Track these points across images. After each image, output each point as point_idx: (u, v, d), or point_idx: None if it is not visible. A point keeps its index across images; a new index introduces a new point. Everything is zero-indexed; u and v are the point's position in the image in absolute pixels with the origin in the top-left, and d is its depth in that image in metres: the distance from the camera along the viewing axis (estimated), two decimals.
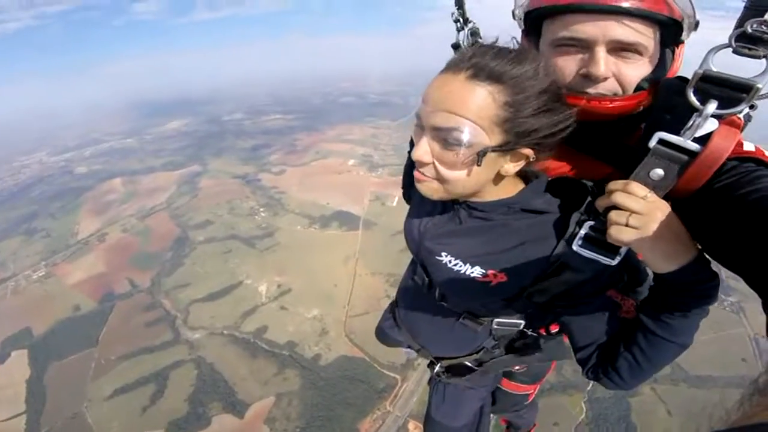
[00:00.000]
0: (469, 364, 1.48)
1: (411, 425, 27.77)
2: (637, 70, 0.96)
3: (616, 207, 0.83)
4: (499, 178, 0.98)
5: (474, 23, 1.46)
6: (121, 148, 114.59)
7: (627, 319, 1.04)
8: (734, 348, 31.34)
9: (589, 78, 0.96)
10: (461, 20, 1.46)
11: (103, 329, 39.81)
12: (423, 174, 0.94)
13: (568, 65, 0.99)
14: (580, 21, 0.93)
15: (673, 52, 1.02)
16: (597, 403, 27.05)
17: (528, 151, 0.91)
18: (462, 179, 0.91)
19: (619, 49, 0.93)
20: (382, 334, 1.88)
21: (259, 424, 29.70)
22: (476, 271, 1.06)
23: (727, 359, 29.88)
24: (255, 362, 34.44)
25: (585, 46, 0.95)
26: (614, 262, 0.88)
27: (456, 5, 1.45)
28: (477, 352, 1.42)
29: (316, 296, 41.05)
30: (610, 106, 0.98)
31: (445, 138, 0.86)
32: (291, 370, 33.30)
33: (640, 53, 0.94)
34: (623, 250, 0.87)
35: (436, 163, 0.91)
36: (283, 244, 51.57)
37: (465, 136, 0.83)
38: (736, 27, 0.75)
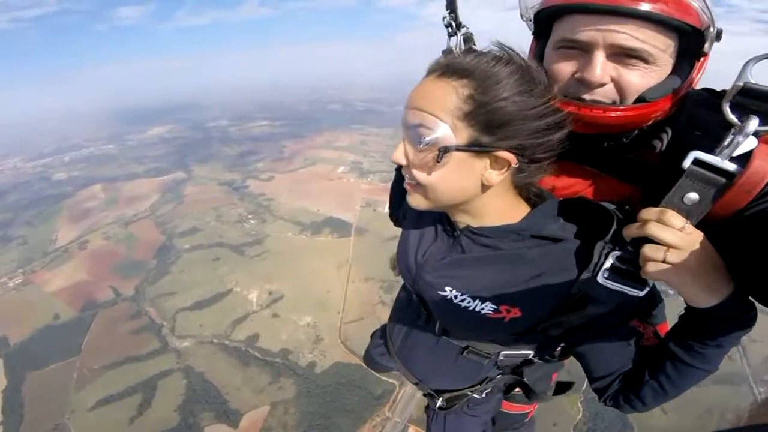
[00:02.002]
0: (474, 396, 1.38)
1: (411, 430, 27.41)
2: (642, 78, 0.88)
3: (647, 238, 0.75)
4: (491, 192, 0.90)
5: (467, 28, 1.37)
6: (102, 154, 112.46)
7: (648, 347, 0.97)
8: None
9: (583, 83, 0.90)
10: (453, 25, 1.38)
11: (85, 338, 38.41)
12: (407, 182, 0.91)
13: (565, 68, 0.93)
14: (583, 22, 0.87)
15: (692, 65, 0.92)
16: (593, 402, 27.13)
17: (508, 156, 0.81)
18: (437, 184, 0.85)
19: (622, 54, 0.87)
20: (371, 362, 1.80)
21: None
22: (487, 308, 0.97)
23: None
24: (247, 371, 33.58)
25: (585, 49, 0.89)
26: (642, 293, 0.81)
27: (447, 8, 1.37)
28: (481, 383, 1.32)
29: (308, 303, 40.42)
30: (605, 115, 0.90)
31: (413, 136, 0.83)
32: (286, 378, 32.55)
33: (645, 60, 0.86)
34: (651, 283, 0.81)
35: (410, 167, 0.87)
36: (273, 251, 50.86)
37: (428, 132, 0.80)
38: None
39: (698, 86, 0.95)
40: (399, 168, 1.23)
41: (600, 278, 0.82)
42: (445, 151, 0.79)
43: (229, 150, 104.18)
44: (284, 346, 35.62)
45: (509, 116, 0.78)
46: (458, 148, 0.80)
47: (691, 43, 0.88)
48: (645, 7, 0.81)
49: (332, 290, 42.20)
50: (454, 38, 1.38)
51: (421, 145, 0.81)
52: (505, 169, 0.84)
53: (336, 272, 45.21)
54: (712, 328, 0.78)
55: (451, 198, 0.90)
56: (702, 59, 0.93)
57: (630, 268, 0.79)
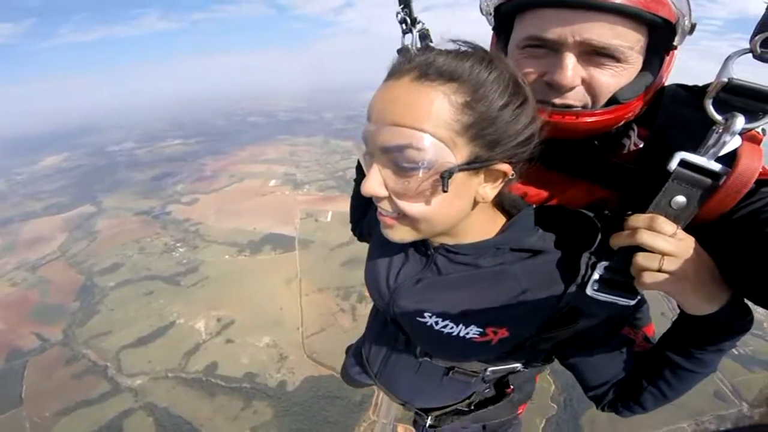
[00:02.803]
0: (461, 408, 1.31)
1: (401, 429, 27.74)
2: (613, 78, 0.83)
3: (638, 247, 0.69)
4: (477, 208, 0.81)
5: (423, 24, 1.31)
6: None
7: (641, 352, 0.92)
8: None
9: (553, 86, 0.84)
10: (408, 21, 1.29)
11: (22, 387, 34.30)
12: (383, 214, 0.77)
13: (533, 70, 0.87)
14: (550, 18, 0.80)
15: (661, 59, 0.88)
16: (563, 374, 29.82)
17: (505, 167, 0.74)
18: (432, 213, 0.73)
19: (593, 53, 0.81)
20: (351, 380, 1.69)
21: None
22: (472, 331, 0.89)
23: None
24: (215, 400, 31.80)
25: (552, 47, 0.83)
26: (633, 302, 0.76)
27: (400, 3, 1.28)
28: (468, 398, 1.25)
29: (263, 323, 39.22)
30: (578, 121, 0.86)
31: (396, 161, 0.68)
32: (258, 401, 31.33)
33: (617, 59, 0.81)
34: (642, 291, 0.75)
35: (394, 197, 0.73)
36: (212, 277, 48.30)
37: (421, 154, 0.65)
38: (760, 30, 0.64)
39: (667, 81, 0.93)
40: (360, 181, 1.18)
41: (589, 291, 0.76)
42: (449, 175, 0.66)
43: (140, 175, 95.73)
44: (247, 370, 34.27)
45: (506, 124, 0.69)
46: (461, 169, 0.67)
47: (663, 36, 0.83)
48: None
49: (285, 306, 41.32)
50: (408, 35, 1.31)
51: (417, 171, 0.67)
52: (500, 181, 0.77)
53: (286, 288, 44.34)
54: (711, 335, 0.73)
55: (446, 225, 0.79)
56: (672, 52, 0.89)
57: (620, 278, 0.74)
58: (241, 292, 44.27)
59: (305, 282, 44.58)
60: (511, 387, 1.27)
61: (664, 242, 0.66)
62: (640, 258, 0.68)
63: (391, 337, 1.18)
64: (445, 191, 0.67)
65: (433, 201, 0.71)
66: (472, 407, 1.29)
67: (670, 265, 0.66)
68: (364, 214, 1.40)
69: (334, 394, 30.37)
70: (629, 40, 0.79)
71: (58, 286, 48.74)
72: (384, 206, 0.75)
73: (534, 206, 0.92)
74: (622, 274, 0.73)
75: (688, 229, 0.71)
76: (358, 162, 1.28)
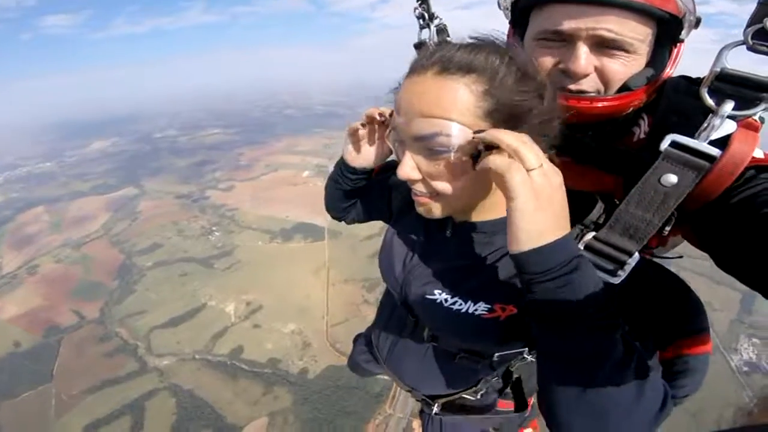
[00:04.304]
0: (468, 397, 1.30)
1: (415, 424, 27.31)
2: (624, 67, 0.89)
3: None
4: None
5: (441, 20, 1.34)
6: (40, 173, 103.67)
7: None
8: None
9: (567, 74, 0.91)
10: (426, 16, 1.33)
11: (55, 364, 35.92)
12: (418, 194, 0.84)
13: (548, 59, 0.94)
14: (563, 12, 0.87)
15: (670, 52, 0.95)
16: None
17: None
18: (461, 189, 0.80)
19: (604, 44, 0.87)
20: (358, 368, 1.73)
21: None
22: (480, 308, 0.91)
23: None
24: (238, 384, 32.44)
25: (566, 39, 0.89)
26: (615, 281, 0.75)
27: (418, 0, 1.32)
28: (476, 385, 1.24)
29: (290, 310, 39.67)
30: (591, 105, 0.91)
31: (428, 147, 0.75)
32: (279, 387, 31.75)
33: (627, 50, 0.87)
34: (627, 268, 0.75)
35: (428, 179, 0.80)
36: (244, 261, 49.38)
37: (451, 139, 0.72)
38: (751, 23, 0.68)
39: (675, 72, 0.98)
40: (345, 169, 1.21)
41: None
42: (478, 155, 0.72)
43: (181, 161, 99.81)
44: (272, 355, 34.74)
45: (523, 106, 0.73)
46: (487, 148, 0.71)
47: (670, 30, 0.89)
48: None
49: (312, 295, 41.63)
50: (426, 30, 1.34)
51: (447, 155, 0.74)
52: None
53: (314, 277, 44.64)
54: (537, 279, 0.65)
55: (475, 199, 0.86)
56: (679, 45, 0.95)
57: (605, 250, 0.76)
58: (271, 278, 45.01)
59: (333, 272, 44.75)
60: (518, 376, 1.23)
61: (533, 155, 0.64)
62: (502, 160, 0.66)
63: (400, 322, 1.22)
64: (475, 169, 0.73)
65: (462, 179, 0.78)
66: (480, 396, 1.28)
67: (538, 175, 0.64)
68: (349, 199, 1.39)
69: (353, 385, 30.29)
70: (638, 33, 0.86)
71: (100, 264, 51.20)
72: (418, 188, 0.82)
73: None
74: (608, 246, 0.76)
75: (689, 215, 0.77)
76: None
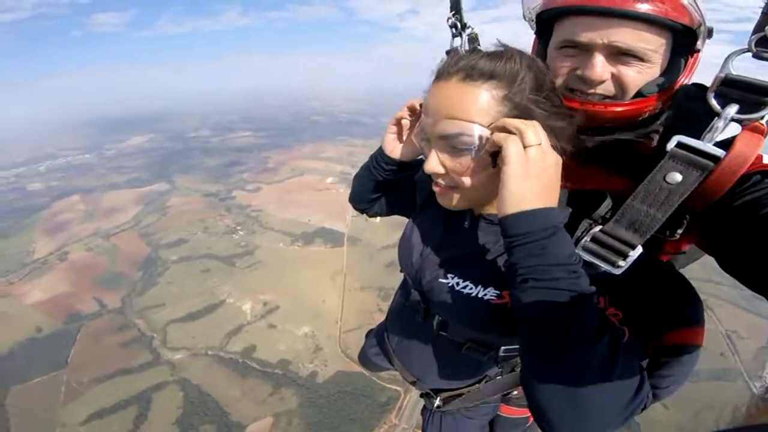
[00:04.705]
0: (471, 394, 1.35)
1: None
2: (639, 74, 0.94)
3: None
4: None
5: (472, 29, 1.41)
6: (79, 164, 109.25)
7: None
8: (711, 344, 33.53)
9: (584, 80, 0.96)
10: (458, 25, 1.41)
11: (71, 351, 36.92)
12: (440, 185, 0.93)
13: (566, 66, 1.00)
14: (582, 24, 0.93)
15: (686, 61, 0.98)
16: None
17: None
18: (479, 183, 0.88)
19: (619, 53, 0.92)
20: (367, 361, 1.78)
21: None
22: (490, 293, 0.96)
23: (706, 355, 31.89)
24: (246, 382, 32.87)
25: (584, 49, 0.95)
26: (616, 272, 0.80)
27: (452, 9, 1.40)
28: (479, 381, 1.29)
29: (305, 313, 40.10)
30: (606, 110, 0.97)
31: (452, 145, 0.84)
32: (287, 388, 32.02)
33: (641, 59, 0.92)
34: (629, 260, 0.79)
35: (451, 173, 0.89)
36: (264, 262, 50.34)
37: (472, 139, 0.81)
38: (756, 31, 0.73)
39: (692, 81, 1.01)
40: (382, 159, 1.29)
41: (578, 249, 0.81)
42: (497, 155, 0.79)
43: (211, 161, 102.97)
44: (283, 356, 35.15)
45: (540, 109, 0.82)
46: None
47: (684, 40, 0.93)
48: (641, 8, 0.86)
49: (328, 300, 42.02)
50: (458, 39, 1.42)
51: (469, 152, 0.83)
52: None
53: (331, 282, 45.06)
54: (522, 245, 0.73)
55: (492, 193, 0.88)
56: (695, 55, 0.99)
57: (609, 242, 0.80)
58: (289, 280, 45.64)
59: (349, 278, 45.09)
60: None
61: (533, 133, 0.75)
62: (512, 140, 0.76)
63: (412, 311, 1.24)
64: (494, 167, 0.81)
65: (481, 174, 0.86)
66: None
67: (535, 152, 0.74)
68: (375, 191, 1.44)
69: (360, 392, 30.27)
70: (652, 44, 0.90)
71: (126, 255, 53.14)
72: (442, 181, 0.91)
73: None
74: (614, 239, 0.80)
75: (695, 216, 0.82)
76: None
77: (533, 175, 0.73)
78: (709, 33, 0.95)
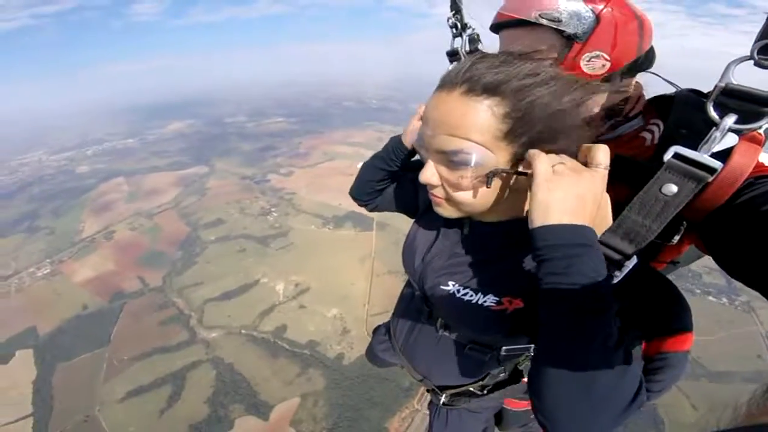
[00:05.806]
0: (474, 391, 1.35)
1: None
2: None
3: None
4: (511, 192, 0.88)
5: (473, 29, 1.36)
6: (123, 148, 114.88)
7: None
8: (749, 345, 32.19)
9: None
10: (458, 25, 1.37)
11: (114, 329, 38.69)
12: (435, 195, 0.90)
13: None
14: (506, 37, 1.06)
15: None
16: None
17: None
18: (474, 201, 0.86)
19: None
20: (374, 357, 1.80)
21: (285, 425, 28.70)
22: (489, 300, 0.95)
23: (743, 356, 30.78)
24: (276, 362, 33.63)
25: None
26: (615, 275, 0.79)
27: (452, 9, 1.37)
28: (482, 379, 1.29)
29: (334, 295, 40.67)
30: None
31: (449, 160, 0.81)
32: (314, 369, 32.60)
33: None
34: (624, 269, 0.78)
35: (445, 186, 0.86)
36: (297, 243, 51.33)
37: (469, 158, 0.78)
38: (759, 39, 0.69)
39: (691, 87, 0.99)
40: (399, 148, 1.34)
41: None
42: (492, 176, 0.78)
43: (247, 145, 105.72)
44: (312, 337, 35.74)
45: (544, 127, 0.78)
46: (503, 171, 0.79)
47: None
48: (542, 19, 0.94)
49: (356, 283, 42.40)
50: (458, 39, 1.37)
51: (465, 170, 0.79)
52: None
53: (359, 265, 45.41)
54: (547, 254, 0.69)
55: (485, 208, 0.89)
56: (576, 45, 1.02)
57: (605, 252, 0.77)
58: (320, 263, 46.38)
59: (377, 262, 45.16)
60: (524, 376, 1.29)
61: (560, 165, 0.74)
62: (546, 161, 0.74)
63: (417, 311, 1.27)
64: (488, 187, 0.81)
65: (475, 191, 0.84)
66: (485, 392, 1.33)
67: (561, 167, 0.73)
68: (378, 190, 1.49)
69: (384, 376, 30.11)
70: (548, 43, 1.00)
71: (167, 234, 55.52)
72: (437, 192, 0.90)
73: None
74: (609, 248, 0.79)
75: (694, 223, 0.83)
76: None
77: (561, 187, 0.70)
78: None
